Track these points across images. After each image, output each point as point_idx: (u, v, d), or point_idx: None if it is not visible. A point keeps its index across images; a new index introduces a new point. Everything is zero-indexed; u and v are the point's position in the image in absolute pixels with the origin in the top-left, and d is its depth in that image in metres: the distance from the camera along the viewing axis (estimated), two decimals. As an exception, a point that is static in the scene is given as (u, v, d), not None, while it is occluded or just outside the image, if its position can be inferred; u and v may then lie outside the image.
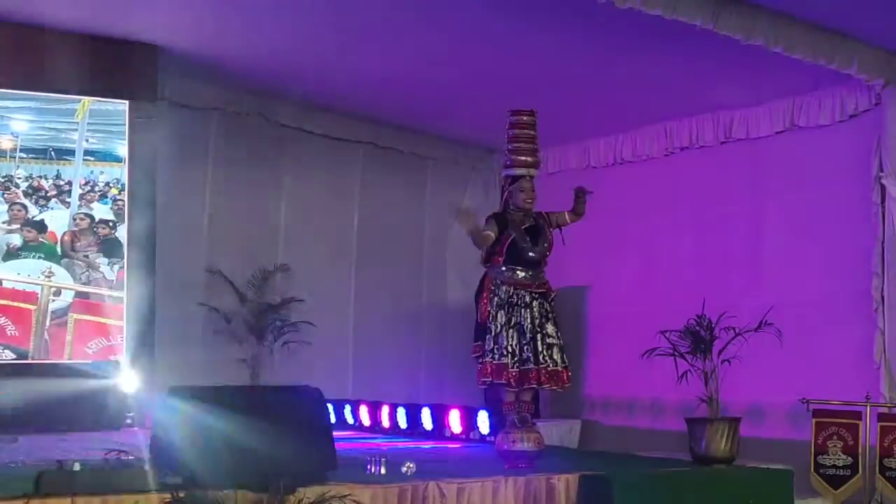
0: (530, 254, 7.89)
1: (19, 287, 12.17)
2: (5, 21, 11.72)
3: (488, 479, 7.09)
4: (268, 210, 14.00)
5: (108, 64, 12.30)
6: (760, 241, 11.78)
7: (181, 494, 6.09)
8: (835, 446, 8.81)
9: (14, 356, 11.97)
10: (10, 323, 12.03)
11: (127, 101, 12.48)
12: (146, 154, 12.51)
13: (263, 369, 12.96)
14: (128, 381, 11.91)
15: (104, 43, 12.19)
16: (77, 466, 6.08)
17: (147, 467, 6.29)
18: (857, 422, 8.81)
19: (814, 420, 8.90)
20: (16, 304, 12.14)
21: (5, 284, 12.13)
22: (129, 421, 11.75)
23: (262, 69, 12.81)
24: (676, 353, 8.08)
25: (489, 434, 9.76)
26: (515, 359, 7.77)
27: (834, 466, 8.82)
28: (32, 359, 12.04)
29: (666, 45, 10.33)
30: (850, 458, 8.79)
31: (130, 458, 6.43)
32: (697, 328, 8.09)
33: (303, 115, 14.03)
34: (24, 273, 12.19)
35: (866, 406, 8.89)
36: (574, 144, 13.83)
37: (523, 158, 8.04)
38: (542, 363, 7.79)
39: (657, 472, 7.77)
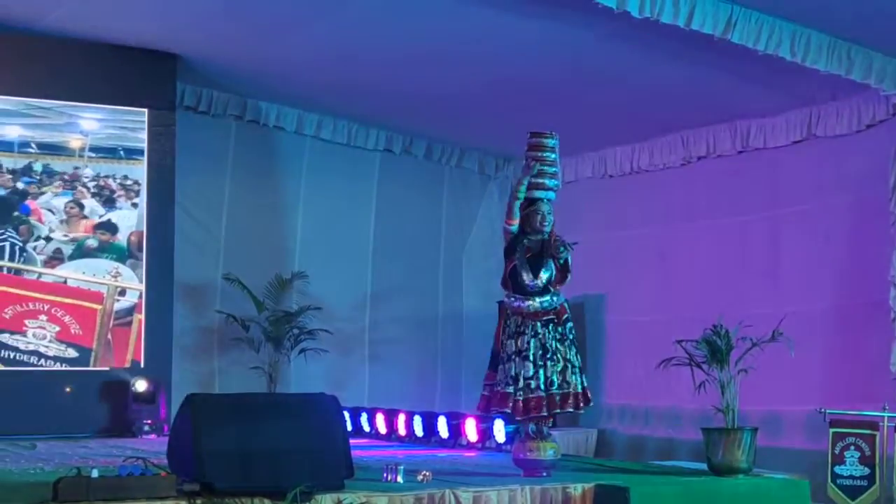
0: (529, 285, 7.84)
1: (84, 286, 12.24)
2: (27, 31, 11.81)
3: (504, 487, 7.10)
4: (285, 218, 14.04)
5: (128, 73, 12.38)
6: (778, 250, 11.75)
7: (198, 501, 6.13)
8: (852, 457, 8.78)
9: (76, 355, 12.07)
10: (74, 322, 12.10)
11: (146, 110, 12.56)
12: (165, 162, 12.57)
13: (280, 377, 12.99)
14: (146, 387, 11.94)
15: (123, 52, 12.27)
16: (95, 473, 6.11)
17: (165, 474, 6.31)
18: (874, 432, 8.77)
19: (831, 430, 8.87)
20: (81, 302, 12.21)
21: (70, 283, 12.21)
22: (146, 428, 11.78)
23: (279, 78, 12.85)
24: (693, 363, 8.07)
25: (505, 442, 9.75)
26: (519, 387, 7.74)
27: (851, 477, 8.79)
28: (94, 358, 12.14)
29: (683, 54, 10.34)
30: (867, 469, 8.75)
31: (148, 465, 6.45)
32: (714, 338, 8.07)
33: (319, 122, 14.07)
34: (90, 272, 12.27)
35: (884, 416, 8.86)
36: (591, 153, 13.83)
37: (541, 181, 7.99)
38: (551, 390, 7.74)
39: (674, 482, 7.77)
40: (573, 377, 7.82)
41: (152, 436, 11.64)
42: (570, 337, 7.92)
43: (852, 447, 8.78)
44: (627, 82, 11.45)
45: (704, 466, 8.18)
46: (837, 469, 8.84)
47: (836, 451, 8.85)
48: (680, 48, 10.13)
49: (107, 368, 12.17)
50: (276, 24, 11.31)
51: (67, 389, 11.87)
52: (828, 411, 8.99)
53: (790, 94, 11.12)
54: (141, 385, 11.91)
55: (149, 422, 11.81)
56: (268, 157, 13.98)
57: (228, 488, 6.24)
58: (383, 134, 14.44)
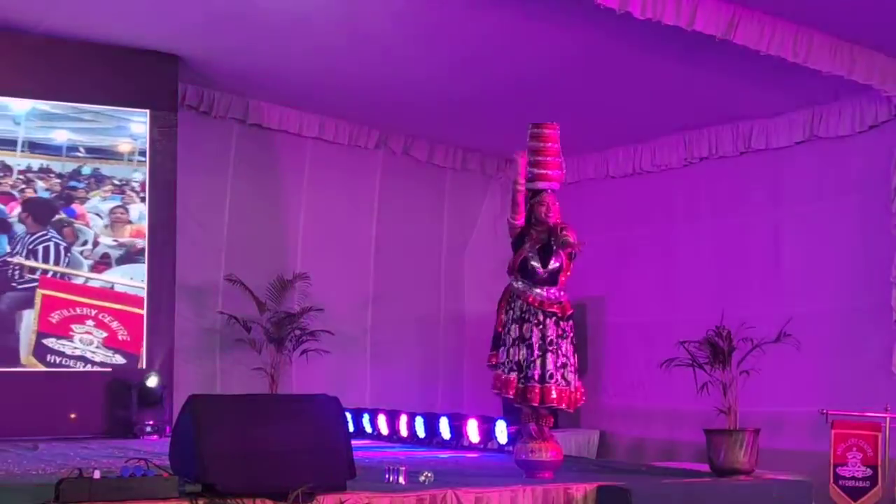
0: (539, 272, 7.84)
1: (132, 291, 12.23)
2: (29, 33, 11.82)
3: (506, 488, 7.10)
4: (287, 219, 14.03)
5: (130, 74, 12.39)
6: (779, 251, 11.75)
7: (200, 502, 6.13)
8: (854, 458, 8.78)
9: (124, 361, 12.08)
10: (121, 328, 12.09)
11: (148, 111, 12.56)
12: (166, 162, 12.57)
13: (282, 378, 12.98)
14: (148, 388, 11.93)
15: (125, 53, 12.28)
16: (97, 474, 6.11)
17: (166, 475, 6.31)
18: (876, 433, 8.77)
19: (833, 431, 8.87)
20: (129, 308, 12.19)
21: (117, 288, 12.19)
22: (148, 429, 11.78)
23: (281, 79, 12.85)
24: (695, 364, 8.07)
25: (507, 444, 9.75)
26: (522, 374, 7.76)
27: (853, 478, 8.79)
28: (141, 364, 12.13)
29: (685, 55, 10.34)
30: (869, 470, 8.75)
31: (150, 466, 6.45)
32: (716, 339, 8.07)
33: (321, 124, 14.06)
34: (139, 278, 12.27)
35: (886, 417, 8.85)
36: (593, 154, 13.83)
37: (544, 172, 7.98)
38: (548, 381, 7.74)
39: (675, 483, 7.76)
40: (571, 376, 7.83)
41: (154, 437, 11.64)
42: (571, 335, 7.92)
43: (855, 448, 8.78)
44: (629, 83, 11.45)
45: (706, 468, 8.18)
46: (840, 470, 8.84)
47: (839, 452, 8.85)
48: (682, 49, 10.13)
49: (109, 369, 12.16)
50: (276, 26, 11.30)
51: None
52: (830, 412, 8.99)
53: (792, 94, 11.12)
54: (152, 381, 11.88)
55: (151, 422, 11.81)
56: (270, 158, 13.97)
57: (230, 489, 6.24)
58: (385, 135, 14.42)
